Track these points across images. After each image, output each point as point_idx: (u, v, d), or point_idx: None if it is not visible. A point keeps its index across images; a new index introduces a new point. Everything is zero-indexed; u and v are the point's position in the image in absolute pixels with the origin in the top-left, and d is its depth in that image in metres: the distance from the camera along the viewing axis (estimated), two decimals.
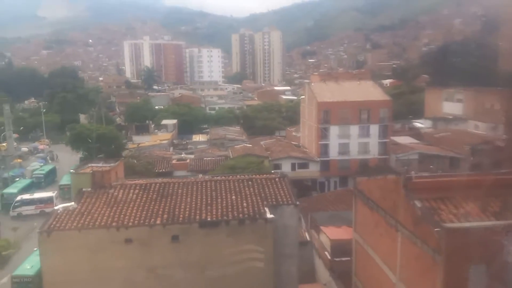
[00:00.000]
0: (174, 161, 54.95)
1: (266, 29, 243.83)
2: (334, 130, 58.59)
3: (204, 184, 24.54)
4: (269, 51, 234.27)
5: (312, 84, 65.87)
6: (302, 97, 70.86)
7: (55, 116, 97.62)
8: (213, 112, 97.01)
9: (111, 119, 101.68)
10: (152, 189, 23.83)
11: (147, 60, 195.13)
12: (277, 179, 26.10)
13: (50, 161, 73.80)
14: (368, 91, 61.65)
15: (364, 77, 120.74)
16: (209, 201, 22.61)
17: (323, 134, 58.84)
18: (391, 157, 59.31)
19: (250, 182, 25.18)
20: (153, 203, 22.37)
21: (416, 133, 71.09)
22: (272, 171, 33.93)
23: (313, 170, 57.47)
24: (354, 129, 58.81)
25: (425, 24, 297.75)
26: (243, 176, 27.05)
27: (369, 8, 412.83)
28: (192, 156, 59.77)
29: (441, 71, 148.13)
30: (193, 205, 22.14)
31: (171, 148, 64.89)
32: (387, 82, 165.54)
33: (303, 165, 57.31)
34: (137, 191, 23.66)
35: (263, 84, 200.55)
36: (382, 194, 20.22)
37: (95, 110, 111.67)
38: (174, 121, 79.45)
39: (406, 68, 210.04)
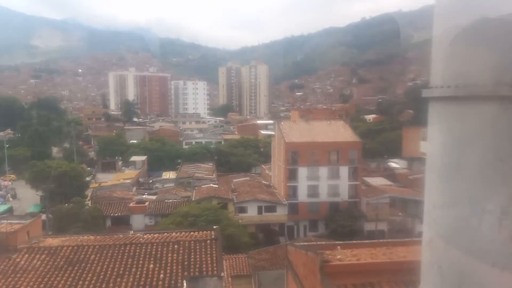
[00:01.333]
0: (131, 204, 51.94)
1: (253, 62, 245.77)
2: (302, 172, 56.31)
3: (122, 248, 21.80)
4: (255, 84, 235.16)
5: (282, 123, 64.07)
6: (273, 134, 68.99)
7: (26, 150, 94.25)
8: (187, 147, 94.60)
9: (84, 153, 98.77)
10: (61, 254, 20.96)
11: (131, 92, 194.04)
12: (208, 242, 23.39)
13: (10, 199, 70.22)
14: (338, 131, 59.92)
15: (342, 113, 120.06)
16: (121, 271, 19.75)
17: (291, 175, 56.54)
18: (362, 200, 56.94)
19: (176, 246, 22.44)
20: (56, 272, 19.49)
21: (390, 174, 69.13)
22: (212, 229, 31.14)
23: (281, 213, 54.74)
24: (323, 171, 56.59)
25: (412, 60, 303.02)
26: (174, 234, 24.52)
27: (358, 44, 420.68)
28: (154, 198, 56.89)
29: (423, 108, 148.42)
30: (101, 277, 19.30)
31: (134, 188, 61.96)
32: (370, 117, 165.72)
33: (270, 208, 54.64)
34: (43, 256, 20.79)
35: (248, 117, 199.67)
36: (304, 273, 17.68)
37: (68, 143, 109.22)
38: (143, 157, 76.80)
39: (391, 103, 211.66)
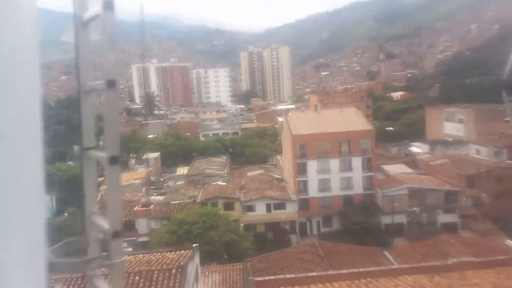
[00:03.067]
0: (136, 208, 50.78)
1: (274, 45, 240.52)
2: (312, 165, 53.32)
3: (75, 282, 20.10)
4: (278, 67, 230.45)
5: (289, 114, 60.92)
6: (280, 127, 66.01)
7: (45, 151, 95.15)
8: (204, 139, 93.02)
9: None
10: None
11: (153, 84, 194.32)
12: (173, 271, 21.36)
13: None
14: (349, 120, 56.23)
15: (364, 94, 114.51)
16: None
17: (301, 169, 53.70)
18: (378, 192, 53.51)
19: (137, 277, 20.55)
20: None
21: (411, 160, 64.88)
22: (191, 248, 29.12)
23: (291, 211, 52.17)
24: (334, 163, 53.41)
25: (441, 31, 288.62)
26: (148, 256, 22.79)
27: (385, 17, 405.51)
28: (161, 199, 55.65)
29: (451, 84, 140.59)
30: None
31: (144, 189, 60.88)
32: (397, 95, 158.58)
33: (280, 206, 52.16)
34: None
35: (271, 102, 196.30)
36: None
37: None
38: (156, 154, 75.71)
39: (421, 78, 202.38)
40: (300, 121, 56.83)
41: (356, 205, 52.84)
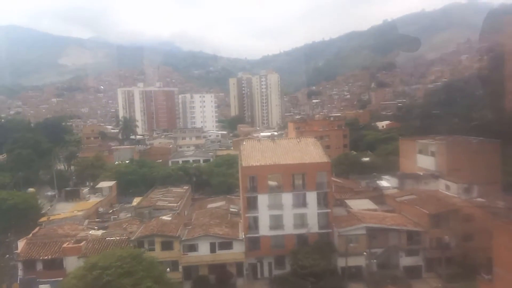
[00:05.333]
0: (66, 244, 45.86)
1: (263, 72, 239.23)
2: (263, 200, 48.72)
3: None
4: (267, 94, 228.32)
5: (244, 143, 56.76)
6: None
7: (6, 176, 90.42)
8: (169, 168, 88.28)
9: (68, 177, 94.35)
10: None
11: (138, 108, 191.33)
12: None
13: None
14: (306, 151, 52.07)
15: (341, 123, 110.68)
16: None
17: (251, 204, 49.07)
18: (334, 231, 48.77)
19: None
20: None
21: (378, 195, 60.37)
22: None
23: (237, 251, 47.23)
24: (287, 198, 48.84)
25: (433, 61, 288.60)
26: None
27: (380, 47, 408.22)
28: (99, 233, 50.75)
29: (436, 114, 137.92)
30: None
31: (86, 221, 55.94)
32: (383, 124, 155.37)
33: (226, 245, 47.25)
34: None
35: (258, 128, 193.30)
36: None
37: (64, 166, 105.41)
38: (111, 183, 71.08)
39: (409, 108, 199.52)
40: (253, 151, 52.66)
41: (310, 245, 48.00)
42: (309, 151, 51.89)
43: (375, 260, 47.66)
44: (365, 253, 46.58)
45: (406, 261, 48.52)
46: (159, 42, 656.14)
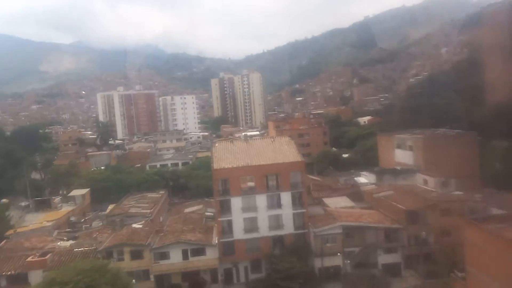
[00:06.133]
0: (30, 258, 43.69)
1: (245, 71, 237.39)
2: (236, 202, 47.18)
3: None
4: (249, 94, 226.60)
5: (216, 145, 55.13)
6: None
7: None
8: (146, 172, 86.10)
9: (42, 187, 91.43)
10: None
11: (117, 112, 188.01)
12: None
13: None
14: (279, 150, 50.70)
15: (321, 120, 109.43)
16: None
17: (224, 208, 47.49)
18: (311, 231, 47.49)
19: None
20: None
21: (356, 192, 59.33)
22: None
23: (211, 257, 45.61)
24: (261, 200, 47.39)
25: (415, 56, 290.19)
26: None
27: (362, 43, 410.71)
28: (68, 244, 48.72)
29: (417, 107, 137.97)
30: None
31: (55, 232, 53.75)
32: (365, 119, 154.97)
33: (198, 251, 45.61)
34: None
35: (241, 128, 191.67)
36: None
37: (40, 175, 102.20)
38: (85, 190, 68.81)
39: (391, 103, 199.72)
40: (226, 153, 51.08)
41: (286, 247, 46.65)
42: (283, 151, 50.52)
43: (348, 261, 46.48)
44: (338, 253, 45.27)
45: (384, 259, 47.47)
46: (141, 45, 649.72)
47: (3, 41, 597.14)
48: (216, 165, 48.16)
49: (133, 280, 37.95)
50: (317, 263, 46.39)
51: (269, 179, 47.67)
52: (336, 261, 46.49)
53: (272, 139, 54.00)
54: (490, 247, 25.64)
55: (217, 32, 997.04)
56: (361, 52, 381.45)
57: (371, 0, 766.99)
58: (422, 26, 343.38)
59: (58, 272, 33.55)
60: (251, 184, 47.71)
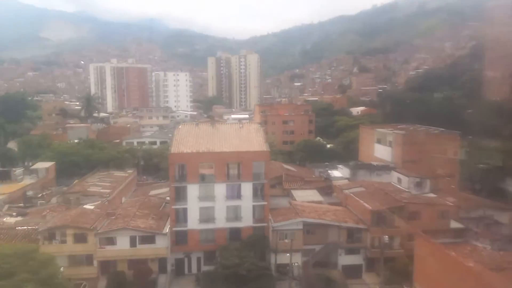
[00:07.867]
0: None
1: (243, 52, 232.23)
2: (193, 190, 44.33)
3: None
4: (246, 75, 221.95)
5: (180, 127, 51.93)
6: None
7: None
8: (120, 148, 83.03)
9: (14, 157, 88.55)
10: None
11: (109, 85, 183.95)
12: None
13: None
14: (246, 138, 47.59)
15: (307, 108, 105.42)
16: None
17: (179, 195, 44.63)
18: (270, 225, 44.74)
19: None
20: None
21: (327, 186, 56.49)
22: None
23: (160, 246, 42.93)
24: (220, 189, 44.54)
25: (418, 47, 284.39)
26: None
27: (367, 31, 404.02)
28: (13, 222, 45.97)
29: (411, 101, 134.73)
30: None
31: (6, 207, 51.03)
32: (358, 110, 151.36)
33: (147, 239, 42.86)
34: None
35: (233, 110, 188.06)
36: None
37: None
38: (48, 164, 65.84)
39: (388, 94, 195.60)
40: (188, 136, 47.96)
41: (243, 240, 43.97)
42: (249, 139, 47.41)
43: (307, 259, 43.88)
44: (288, 254, 42.46)
45: (345, 259, 44.94)
46: (145, 19, 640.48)
47: (3, 6, 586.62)
48: (174, 149, 45.15)
49: (61, 268, 35.14)
50: (275, 259, 43.82)
51: (230, 167, 44.70)
52: (294, 258, 43.82)
53: (241, 125, 50.76)
54: (438, 264, 22.81)
55: (224, 11, 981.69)
56: (365, 41, 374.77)
57: None
58: (430, 17, 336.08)
59: None
60: (210, 171, 44.71)
